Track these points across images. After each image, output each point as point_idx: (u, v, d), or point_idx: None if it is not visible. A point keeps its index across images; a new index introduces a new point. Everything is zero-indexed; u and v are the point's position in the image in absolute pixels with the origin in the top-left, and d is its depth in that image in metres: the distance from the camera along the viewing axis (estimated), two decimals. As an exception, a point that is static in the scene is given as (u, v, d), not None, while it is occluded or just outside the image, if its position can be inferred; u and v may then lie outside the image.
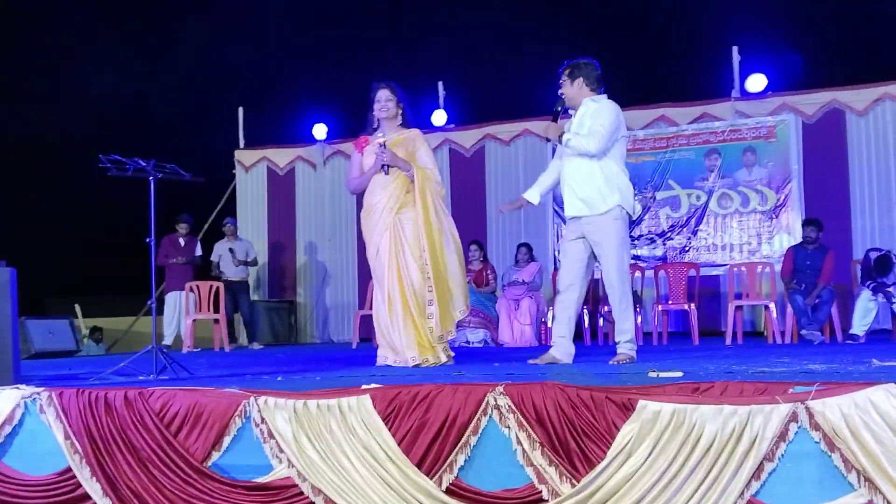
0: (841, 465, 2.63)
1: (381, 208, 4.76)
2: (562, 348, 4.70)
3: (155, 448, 3.36)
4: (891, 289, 6.91)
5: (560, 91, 4.84)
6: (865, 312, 6.96)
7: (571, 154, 4.65)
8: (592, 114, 4.66)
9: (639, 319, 7.98)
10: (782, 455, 2.67)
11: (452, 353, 4.93)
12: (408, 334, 4.65)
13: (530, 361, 4.71)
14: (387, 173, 4.75)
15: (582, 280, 4.74)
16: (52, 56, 13.11)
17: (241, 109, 10.99)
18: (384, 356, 4.79)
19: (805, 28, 11.11)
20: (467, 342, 7.95)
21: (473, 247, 8.65)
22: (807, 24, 11.20)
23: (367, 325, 7.66)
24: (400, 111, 4.93)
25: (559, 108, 4.81)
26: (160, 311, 9.01)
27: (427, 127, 9.31)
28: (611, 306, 4.77)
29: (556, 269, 9.18)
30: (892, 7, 10.03)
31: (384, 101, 4.88)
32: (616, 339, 4.76)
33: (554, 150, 9.34)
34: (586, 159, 4.60)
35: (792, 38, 10.65)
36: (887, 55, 10.09)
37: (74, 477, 3.50)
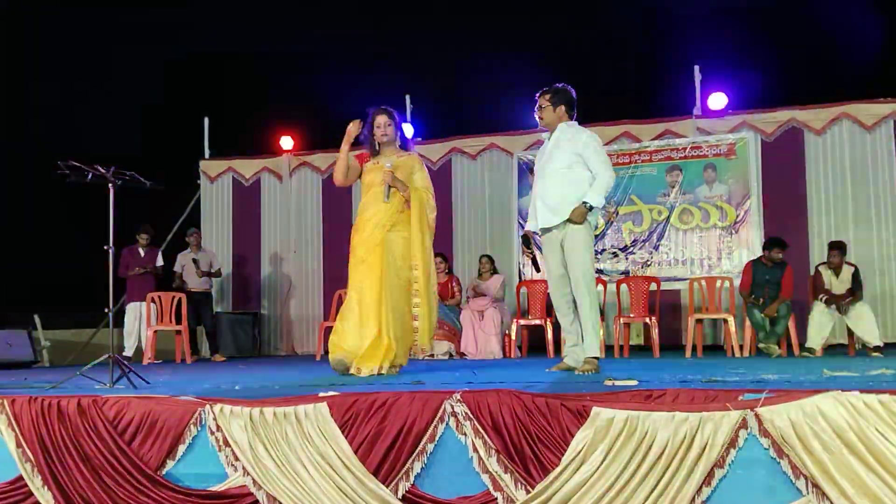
0: (790, 472, 2.67)
1: (372, 225, 4.93)
2: (574, 356, 4.89)
3: (108, 456, 3.32)
4: (845, 303, 7.05)
5: (537, 114, 5.00)
6: (820, 327, 7.08)
7: (601, 194, 4.75)
8: (575, 142, 4.81)
9: (602, 332, 8.04)
10: (732, 461, 2.71)
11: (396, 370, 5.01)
12: (363, 344, 4.76)
13: (547, 370, 4.88)
14: (387, 199, 4.94)
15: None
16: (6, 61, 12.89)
17: (206, 119, 10.92)
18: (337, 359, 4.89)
19: (765, 48, 11.34)
20: (431, 355, 7.95)
21: (438, 259, 8.60)
22: (767, 44, 11.44)
23: (331, 336, 7.61)
24: (398, 134, 5.10)
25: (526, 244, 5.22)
26: (121, 323, 8.89)
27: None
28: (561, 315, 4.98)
29: (520, 280, 9.23)
30: (850, 29, 10.27)
31: (384, 127, 5.04)
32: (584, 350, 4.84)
33: (519, 164, 9.58)
34: (561, 173, 4.79)
35: (752, 58, 10.87)
36: (845, 76, 10.33)
37: (26, 486, 3.44)
